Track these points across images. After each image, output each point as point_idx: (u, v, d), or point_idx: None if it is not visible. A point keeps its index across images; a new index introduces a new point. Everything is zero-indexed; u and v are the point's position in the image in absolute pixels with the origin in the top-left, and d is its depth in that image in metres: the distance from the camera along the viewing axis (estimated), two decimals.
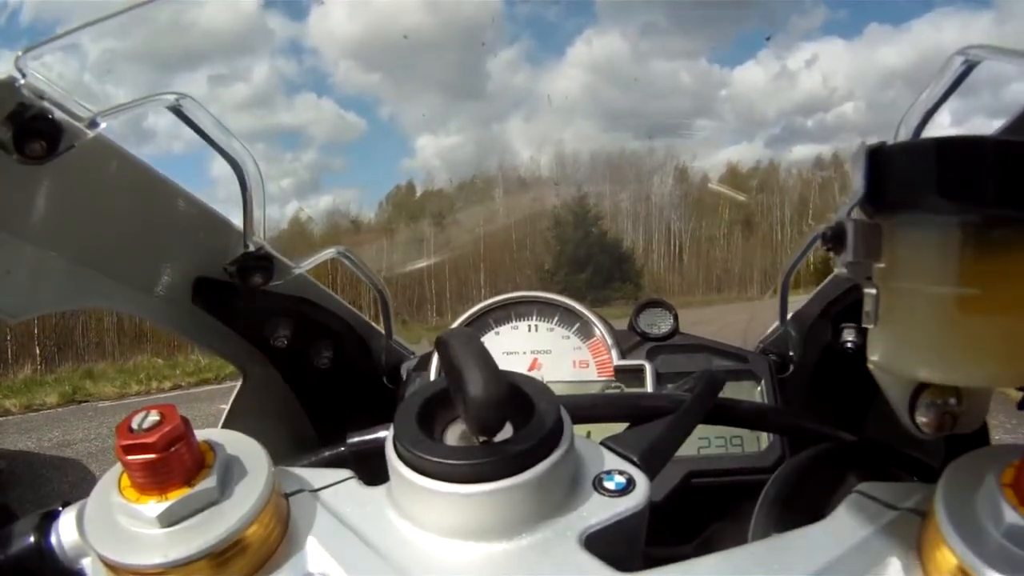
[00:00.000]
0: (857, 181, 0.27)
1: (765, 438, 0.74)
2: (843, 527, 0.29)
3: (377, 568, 0.28)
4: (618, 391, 0.78)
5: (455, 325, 0.83)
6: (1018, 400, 0.37)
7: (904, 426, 0.30)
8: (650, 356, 0.80)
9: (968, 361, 0.26)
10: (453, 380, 0.30)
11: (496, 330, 0.84)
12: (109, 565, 0.28)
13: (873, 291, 0.29)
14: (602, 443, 0.35)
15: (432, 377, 0.78)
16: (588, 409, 0.43)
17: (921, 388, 0.29)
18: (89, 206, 0.50)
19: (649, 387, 0.77)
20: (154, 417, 0.28)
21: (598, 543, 0.29)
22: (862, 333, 0.69)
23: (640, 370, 0.78)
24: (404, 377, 0.81)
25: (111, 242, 0.53)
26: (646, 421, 0.39)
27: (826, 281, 0.71)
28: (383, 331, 0.83)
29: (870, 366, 0.29)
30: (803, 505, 0.39)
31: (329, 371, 0.77)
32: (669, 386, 0.77)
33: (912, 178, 0.26)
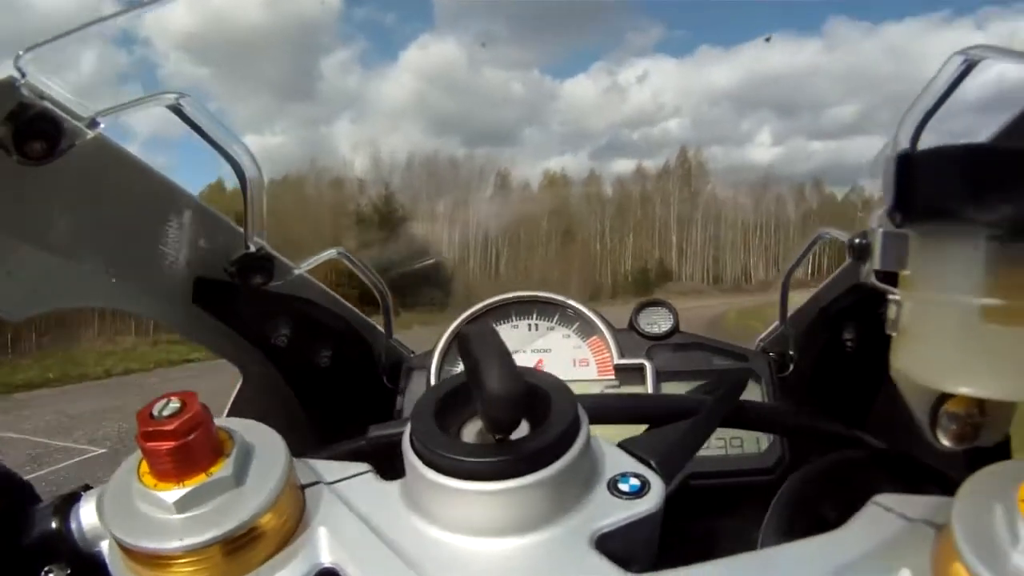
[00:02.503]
0: (885, 188, 0.27)
1: (765, 439, 0.74)
2: (857, 536, 0.29)
3: (386, 562, 0.28)
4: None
5: (456, 323, 0.82)
6: None
7: (924, 436, 0.30)
8: (650, 355, 0.80)
9: (992, 373, 0.26)
10: (471, 376, 0.30)
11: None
12: (125, 549, 0.28)
13: (897, 299, 0.28)
14: (619, 445, 0.34)
15: (432, 376, 0.78)
16: (606, 409, 0.43)
17: (943, 399, 0.29)
18: (89, 206, 0.49)
19: (649, 385, 0.77)
20: (175, 404, 0.28)
21: (610, 545, 0.29)
22: (862, 333, 0.69)
23: (640, 368, 0.79)
24: (404, 376, 0.81)
25: (111, 242, 0.52)
26: (666, 423, 0.38)
27: (826, 281, 0.71)
28: (383, 331, 0.83)
29: (893, 373, 0.29)
30: (814, 511, 0.39)
31: (329, 371, 0.76)
32: (665, 385, 0.77)
33: (941, 186, 0.26)
